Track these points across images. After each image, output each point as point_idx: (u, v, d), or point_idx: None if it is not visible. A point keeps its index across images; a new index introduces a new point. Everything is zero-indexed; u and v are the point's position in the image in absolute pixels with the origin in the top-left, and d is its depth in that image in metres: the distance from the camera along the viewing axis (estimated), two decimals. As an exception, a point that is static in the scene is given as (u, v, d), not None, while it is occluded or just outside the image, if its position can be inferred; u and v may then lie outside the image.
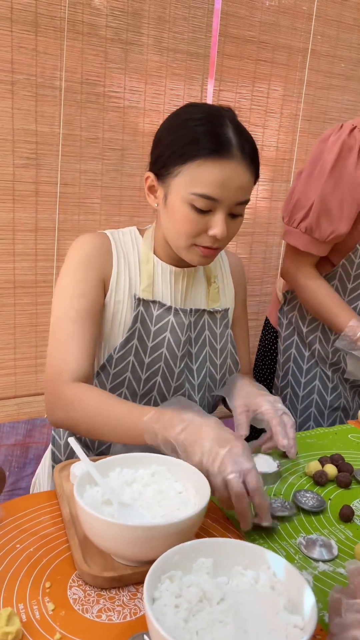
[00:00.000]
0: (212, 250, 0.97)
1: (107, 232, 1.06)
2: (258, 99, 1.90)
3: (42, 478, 1.20)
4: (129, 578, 0.70)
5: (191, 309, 1.06)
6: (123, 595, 0.69)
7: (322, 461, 1.00)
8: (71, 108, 1.57)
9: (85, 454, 1.09)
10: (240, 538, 0.80)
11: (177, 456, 0.82)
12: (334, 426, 1.23)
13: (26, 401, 1.73)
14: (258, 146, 1.96)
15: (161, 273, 1.05)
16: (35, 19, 1.46)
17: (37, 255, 1.63)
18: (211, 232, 0.94)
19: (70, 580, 0.70)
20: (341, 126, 1.28)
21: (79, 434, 1.02)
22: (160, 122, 0.99)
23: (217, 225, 0.93)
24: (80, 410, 0.91)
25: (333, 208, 1.24)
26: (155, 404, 1.07)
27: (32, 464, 2.16)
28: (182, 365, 1.07)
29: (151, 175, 0.98)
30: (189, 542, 0.65)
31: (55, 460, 1.18)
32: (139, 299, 1.02)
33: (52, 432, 1.21)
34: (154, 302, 1.03)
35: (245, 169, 0.92)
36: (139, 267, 1.04)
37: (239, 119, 1.92)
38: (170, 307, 1.04)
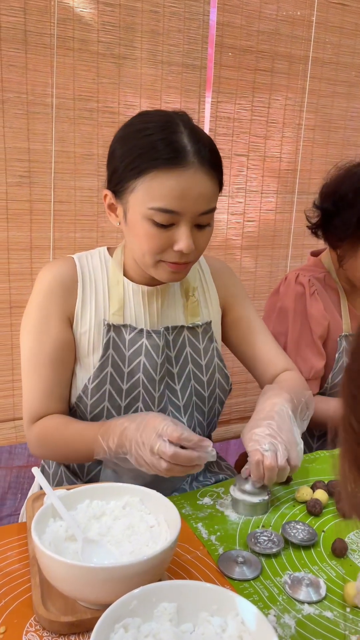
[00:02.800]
0: (181, 265, 0.92)
1: (75, 256, 1.02)
2: (259, 109, 1.85)
3: (29, 506, 1.15)
4: (90, 623, 0.64)
5: (167, 328, 1.01)
6: (82, 643, 0.63)
7: (315, 487, 0.93)
8: (64, 125, 1.55)
9: (73, 481, 1.05)
10: (220, 576, 0.74)
11: (130, 464, 0.86)
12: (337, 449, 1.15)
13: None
14: (260, 157, 1.91)
15: (132, 295, 1.01)
16: (24, 37, 1.45)
17: (33, 274, 1.60)
18: (176, 247, 0.88)
19: (28, 625, 0.65)
20: (285, 277, 1.42)
21: (58, 462, 1.07)
22: None
23: (182, 239, 0.88)
24: (46, 446, 0.98)
25: (305, 349, 1.33)
26: None
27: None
28: (161, 388, 1.01)
29: (109, 193, 0.94)
30: (149, 585, 0.59)
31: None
32: (108, 325, 0.98)
33: (42, 462, 1.16)
34: (124, 325, 0.99)
35: (205, 175, 0.87)
36: (108, 291, 1.00)
37: (239, 130, 1.88)
38: (142, 330, 0.99)
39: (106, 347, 0.97)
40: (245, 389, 2.06)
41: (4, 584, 0.71)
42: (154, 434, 0.79)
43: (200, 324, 1.06)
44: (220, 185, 0.93)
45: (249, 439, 0.89)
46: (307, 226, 1.39)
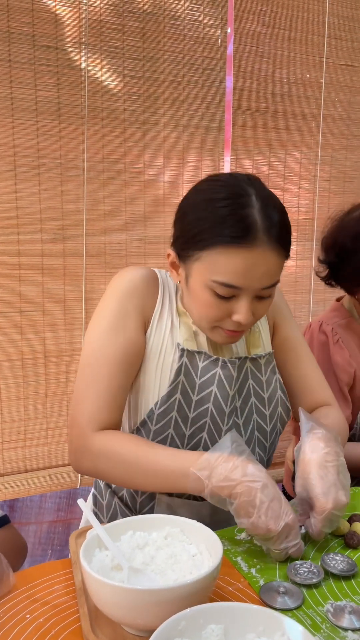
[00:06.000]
0: (238, 333, 0.92)
1: (156, 269, 1.02)
2: (275, 164, 1.96)
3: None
4: (138, 649, 0.66)
5: (236, 361, 0.98)
6: (132, 669, 0.64)
7: (352, 520, 0.94)
8: (94, 185, 1.66)
9: (127, 515, 1.05)
10: (262, 606, 0.75)
11: (224, 508, 0.82)
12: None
13: (59, 472, 1.72)
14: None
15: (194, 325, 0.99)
16: (58, 109, 1.59)
17: (66, 325, 1.67)
18: (235, 318, 0.88)
19: (78, 653, 0.67)
20: (310, 325, 1.42)
21: (109, 482, 1.00)
22: (180, 192, 0.98)
23: (241, 311, 0.87)
24: (112, 461, 0.87)
25: None
26: None
27: (73, 541, 2.10)
28: (230, 422, 0.98)
29: (172, 253, 0.94)
30: (197, 607, 0.61)
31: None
32: (182, 349, 0.95)
33: (94, 490, 1.15)
34: (199, 352, 0.96)
35: (272, 252, 0.85)
36: (178, 316, 0.98)
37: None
38: (217, 359, 0.96)
39: (177, 373, 0.94)
40: (274, 434, 2.06)
41: (52, 615, 0.73)
42: (282, 543, 0.80)
43: (263, 354, 1.03)
44: (287, 256, 0.90)
45: (323, 499, 0.84)
46: (321, 279, 1.44)
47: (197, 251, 0.87)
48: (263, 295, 0.89)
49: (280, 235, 0.86)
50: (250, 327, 0.96)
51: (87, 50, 1.60)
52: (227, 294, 0.87)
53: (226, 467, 0.80)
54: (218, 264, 0.85)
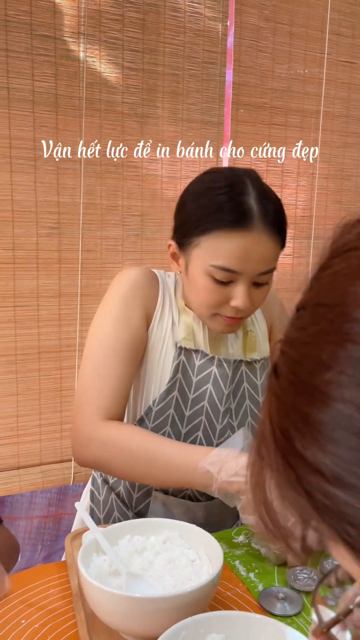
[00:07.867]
0: (237, 320, 0.94)
1: (154, 269, 1.04)
2: (274, 160, 1.94)
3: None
4: (137, 658, 0.64)
5: (232, 360, 1.00)
6: None
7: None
8: (91, 179, 1.64)
9: (123, 511, 1.05)
10: (261, 612, 0.74)
11: (230, 504, 0.82)
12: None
13: (51, 468, 1.70)
14: (276, 205, 1.97)
15: (194, 323, 1.01)
16: (55, 100, 1.56)
17: (61, 320, 1.65)
18: (233, 303, 0.90)
19: (75, 660, 0.65)
20: None
21: (111, 474, 0.99)
22: (178, 187, 0.99)
23: (239, 296, 0.90)
24: (119, 451, 0.87)
25: None
26: None
27: (64, 537, 2.09)
28: (224, 421, 1.00)
29: (173, 243, 0.96)
30: (198, 616, 0.60)
31: (93, 518, 1.12)
32: (180, 348, 0.97)
33: (91, 487, 1.14)
34: (196, 351, 0.98)
35: (268, 238, 0.88)
36: (178, 314, 1.00)
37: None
38: (213, 357, 0.98)
39: (175, 371, 0.96)
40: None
41: (48, 620, 0.72)
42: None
43: (259, 359, 1.04)
44: (282, 246, 0.93)
45: None
46: None
47: (196, 237, 0.90)
48: (260, 282, 0.92)
49: (275, 222, 0.89)
50: (249, 315, 0.97)
51: (86, 41, 1.57)
52: (225, 278, 0.89)
53: (237, 463, 0.80)
54: (216, 249, 0.88)
